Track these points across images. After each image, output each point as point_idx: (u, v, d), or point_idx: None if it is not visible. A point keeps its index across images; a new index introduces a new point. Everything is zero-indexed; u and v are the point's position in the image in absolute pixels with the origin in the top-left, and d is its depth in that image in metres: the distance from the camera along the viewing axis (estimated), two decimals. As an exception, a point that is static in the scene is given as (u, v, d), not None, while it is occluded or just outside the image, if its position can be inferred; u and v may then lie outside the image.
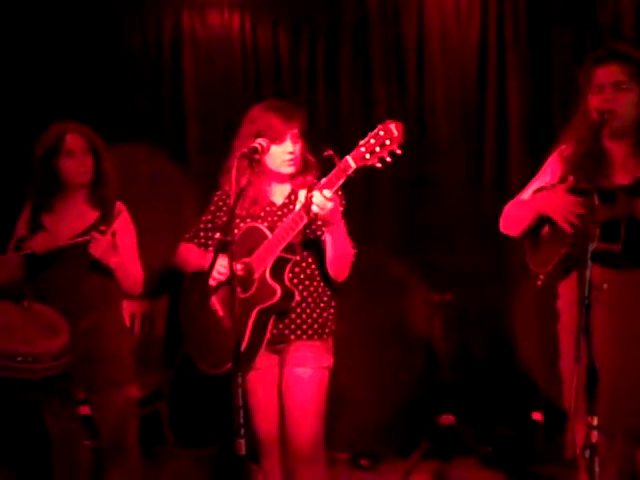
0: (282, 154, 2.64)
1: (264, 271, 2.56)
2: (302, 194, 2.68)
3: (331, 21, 4.46)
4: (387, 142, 2.33)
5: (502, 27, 4.26)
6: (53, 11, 4.41)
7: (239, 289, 2.56)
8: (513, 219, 2.53)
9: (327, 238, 2.55)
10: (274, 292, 2.54)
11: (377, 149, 2.34)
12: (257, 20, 4.53)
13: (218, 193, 2.79)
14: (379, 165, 2.37)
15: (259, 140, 2.52)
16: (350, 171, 2.40)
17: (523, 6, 4.23)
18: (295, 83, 4.48)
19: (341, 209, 2.64)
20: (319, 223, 2.51)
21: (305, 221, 2.52)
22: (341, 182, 2.43)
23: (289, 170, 2.68)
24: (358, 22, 4.42)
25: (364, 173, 2.52)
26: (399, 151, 2.34)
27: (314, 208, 2.40)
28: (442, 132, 4.36)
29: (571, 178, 2.34)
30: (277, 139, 2.61)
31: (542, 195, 2.43)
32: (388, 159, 2.35)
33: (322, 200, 2.39)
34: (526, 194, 2.54)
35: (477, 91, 4.31)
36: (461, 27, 4.32)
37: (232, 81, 4.52)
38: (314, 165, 2.71)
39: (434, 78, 4.37)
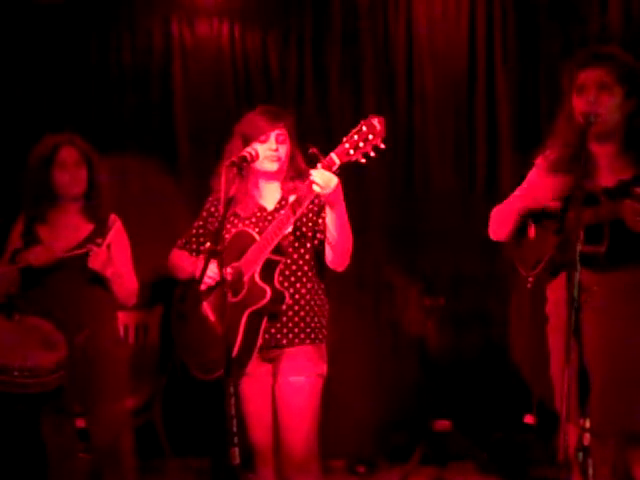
0: (264, 151, 2.65)
1: (253, 273, 2.56)
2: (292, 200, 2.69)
3: (319, 28, 4.47)
4: (370, 137, 2.33)
5: (491, 29, 4.29)
6: (43, 21, 4.41)
7: (229, 293, 2.56)
8: (500, 222, 2.55)
9: (330, 219, 2.53)
10: (264, 293, 2.54)
11: (361, 144, 2.34)
12: (246, 28, 4.54)
13: (210, 199, 2.80)
14: (363, 160, 2.37)
15: (248, 149, 2.55)
16: (334, 167, 2.40)
17: (511, 8, 4.26)
18: (285, 90, 4.49)
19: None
20: (321, 201, 2.50)
21: (293, 221, 2.53)
22: None
23: (272, 167, 2.68)
24: (346, 29, 4.44)
25: (355, 178, 2.53)
26: (382, 145, 2.34)
27: (315, 188, 2.40)
28: (432, 135, 4.38)
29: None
30: (261, 136, 2.64)
31: (522, 186, 2.45)
32: (372, 154, 2.35)
33: (325, 178, 2.38)
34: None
35: (467, 93, 4.34)
36: (450, 29, 4.35)
37: (222, 89, 4.52)
38: (306, 172, 2.71)
39: (424, 82, 4.39)
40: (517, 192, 2.54)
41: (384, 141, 2.33)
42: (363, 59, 4.42)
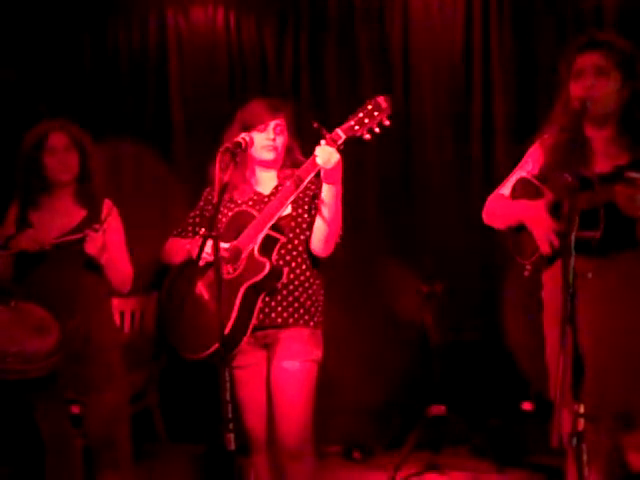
0: (262, 140, 2.68)
1: (252, 249, 2.57)
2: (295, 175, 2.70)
3: (316, 15, 4.46)
4: (376, 113, 2.43)
5: (487, 17, 4.28)
6: (40, 9, 4.40)
7: (227, 269, 2.57)
8: (496, 216, 2.55)
9: (326, 196, 2.56)
10: (263, 266, 2.55)
11: (366, 120, 2.44)
12: (241, 16, 4.54)
13: (208, 189, 2.81)
14: (368, 136, 2.45)
15: (243, 135, 2.56)
16: (340, 141, 2.47)
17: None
18: (280, 78, 4.49)
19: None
20: (321, 177, 2.53)
21: (294, 195, 2.56)
22: None
23: (269, 156, 2.70)
24: (343, 16, 4.42)
25: (352, 165, 2.56)
26: (387, 122, 2.43)
27: (318, 160, 2.46)
28: (429, 123, 4.39)
29: (550, 195, 2.35)
30: (259, 125, 2.66)
31: (522, 207, 2.44)
32: (377, 130, 2.44)
33: (327, 152, 2.45)
34: (508, 185, 2.55)
35: (464, 81, 4.34)
36: (446, 16, 4.33)
37: (217, 77, 4.52)
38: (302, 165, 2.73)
39: (421, 70, 4.39)
40: (516, 174, 2.54)
41: (390, 118, 2.43)
42: (360, 48, 4.42)
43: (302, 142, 2.79)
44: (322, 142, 2.48)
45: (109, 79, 4.50)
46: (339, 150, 2.48)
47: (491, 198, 2.58)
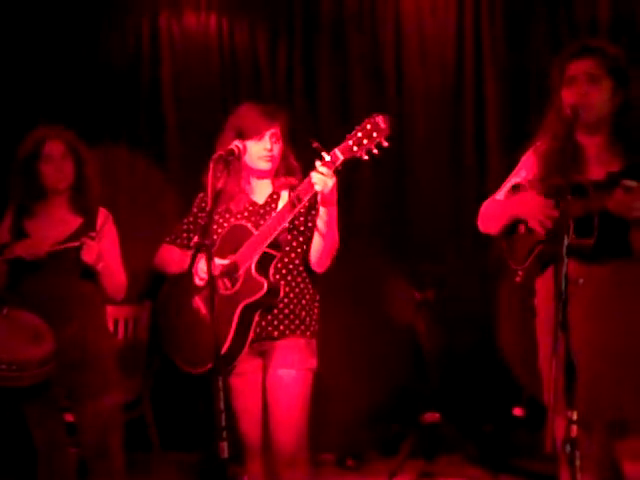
0: (259, 151, 2.66)
1: (249, 267, 2.56)
2: (285, 195, 2.70)
3: (308, 22, 4.47)
4: (374, 134, 2.39)
5: (479, 23, 4.31)
6: (33, 15, 4.40)
7: (224, 285, 2.57)
8: (490, 219, 2.56)
9: (322, 218, 2.56)
10: (261, 286, 2.54)
11: (365, 141, 2.40)
12: (234, 22, 4.55)
13: (201, 195, 2.80)
14: (366, 157, 2.43)
15: (236, 142, 2.56)
16: (338, 162, 2.44)
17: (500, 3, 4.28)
18: (273, 84, 4.50)
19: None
20: (318, 200, 2.53)
21: (291, 216, 2.54)
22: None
23: (266, 166, 2.69)
24: (335, 23, 4.44)
25: (346, 174, 2.57)
26: (386, 143, 2.40)
27: (316, 187, 2.44)
28: (421, 133, 4.40)
29: (541, 180, 2.36)
30: (255, 135, 2.64)
31: (515, 199, 2.45)
32: (375, 151, 2.41)
33: (322, 176, 2.43)
34: (502, 192, 2.57)
35: (455, 92, 4.36)
36: (438, 25, 4.36)
37: (210, 83, 4.52)
38: (297, 170, 2.73)
39: (413, 78, 4.41)
40: (510, 182, 2.55)
41: (388, 139, 2.39)
42: (352, 52, 4.43)
43: (295, 146, 2.77)
44: (317, 164, 2.45)
45: (102, 84, 4.49)
46: (336, 171, 2.45)
47: (485, 204, 2.59)
